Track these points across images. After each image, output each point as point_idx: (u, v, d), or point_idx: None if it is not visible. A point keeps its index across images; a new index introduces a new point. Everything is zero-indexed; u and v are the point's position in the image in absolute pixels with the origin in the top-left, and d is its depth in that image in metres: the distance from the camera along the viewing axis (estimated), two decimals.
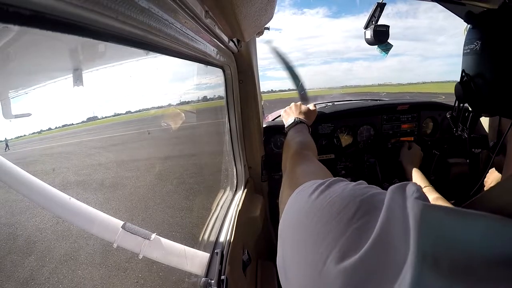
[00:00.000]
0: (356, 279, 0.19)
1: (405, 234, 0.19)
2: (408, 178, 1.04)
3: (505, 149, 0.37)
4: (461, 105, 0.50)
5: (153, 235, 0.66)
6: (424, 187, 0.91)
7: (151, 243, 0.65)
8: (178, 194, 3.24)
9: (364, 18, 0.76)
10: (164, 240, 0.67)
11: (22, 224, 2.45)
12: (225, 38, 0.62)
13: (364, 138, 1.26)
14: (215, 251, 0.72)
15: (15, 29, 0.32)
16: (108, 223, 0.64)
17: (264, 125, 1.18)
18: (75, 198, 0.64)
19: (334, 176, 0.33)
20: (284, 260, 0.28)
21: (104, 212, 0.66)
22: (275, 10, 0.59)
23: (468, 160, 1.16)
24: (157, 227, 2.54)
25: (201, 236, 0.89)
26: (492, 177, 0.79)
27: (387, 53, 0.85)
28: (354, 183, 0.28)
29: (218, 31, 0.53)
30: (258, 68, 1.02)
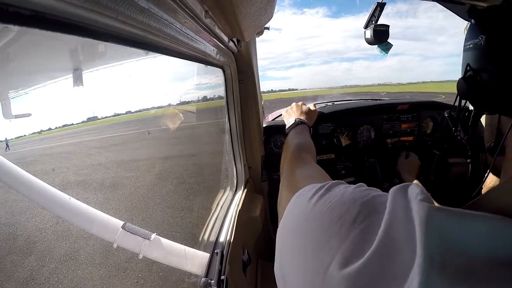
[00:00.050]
0: (359, 285, 0.19)
1: (410, 237, 0.18)
2: None
3: (504, 149, 0.37)
4: (462, 102, 0.49)
5: (153, 235, 0.66)
6: None
7: (151, 243, 0.65)
8: (178, 194, 3.24)
9: (364, 17, 0.76)
10: (164, 240, 0.67)
11: (22, 224, 2.45)
12: (225, 38, 0.62)
13: (364, 138, 1.26)
14: (215, 251, 0.72)
15: (15, 29, 0.32)
16: (108, 223, 0.64)
17: (264, 125, 1.18)
18: (75, 198, 0.64)
19: (334, 177, 0.33)
20: (283, 266, 0.27)
21: (104, 212, 0.66)
22: (275, 10, 0.59)
23: (468, 160, 1.16)
24: (157, 227, 2.54)
25: (201, 236, 0.89)
26: (492, 178, 0.79)
27: (387, 53, 0.85)
28: (353, 186, 0.28)
29: (218, 31, 0.53)
30: (258, 68, 1.02)
